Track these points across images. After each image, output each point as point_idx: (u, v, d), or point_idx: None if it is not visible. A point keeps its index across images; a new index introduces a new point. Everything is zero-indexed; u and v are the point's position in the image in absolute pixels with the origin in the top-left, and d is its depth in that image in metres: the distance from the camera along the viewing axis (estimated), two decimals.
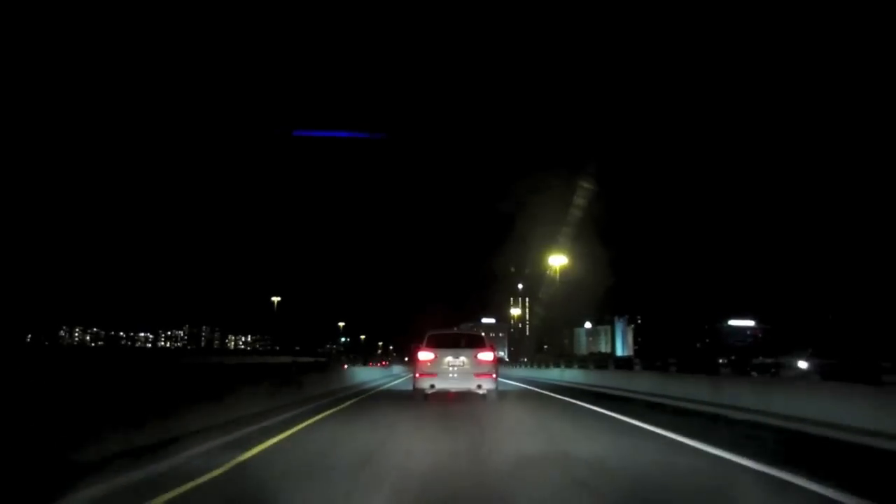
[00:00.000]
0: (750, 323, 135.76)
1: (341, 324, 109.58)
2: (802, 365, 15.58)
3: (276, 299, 74.62)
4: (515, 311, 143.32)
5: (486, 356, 10.68)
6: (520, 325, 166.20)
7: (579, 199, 42.89)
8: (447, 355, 10.59)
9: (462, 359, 10.55)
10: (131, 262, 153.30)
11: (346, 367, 27.08)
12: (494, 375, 10.66)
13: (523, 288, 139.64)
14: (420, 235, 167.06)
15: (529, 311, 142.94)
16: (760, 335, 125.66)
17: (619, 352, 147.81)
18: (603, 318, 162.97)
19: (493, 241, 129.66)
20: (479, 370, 10.48)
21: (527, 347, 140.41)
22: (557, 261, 35.97)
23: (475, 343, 11.16)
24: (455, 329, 11.92)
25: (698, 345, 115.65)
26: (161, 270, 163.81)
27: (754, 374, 19.13)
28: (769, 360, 28.71)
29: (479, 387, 10.43)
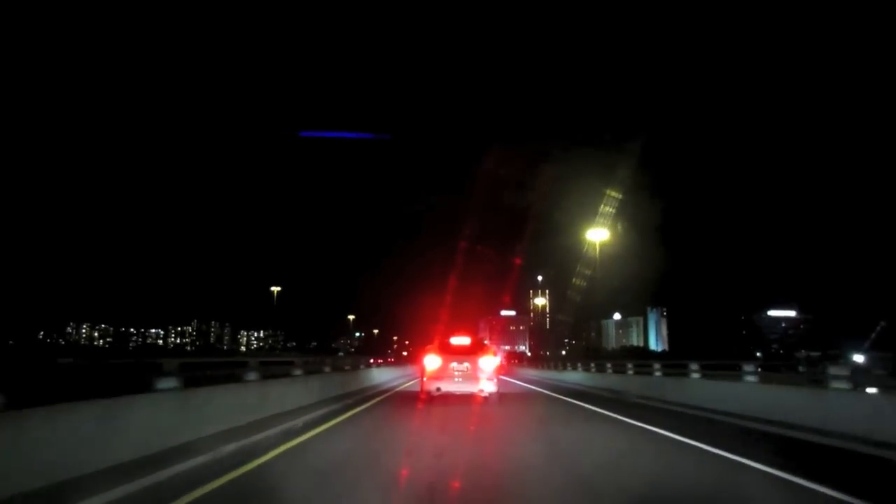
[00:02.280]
0: (791, 313, 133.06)
1: (351, 317, 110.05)
2: (859, 359, 15.07)
3: (275, 289, 72.52)
4: (539, 301, 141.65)
5: (489, 362, 12.07)
6: (540, 318, 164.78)
7: (610, 188, 41.62)
8: (453, 360, 12.04)
9: (466, 364, 11.97)
10: (141, 258, 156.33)
11: (372, 361, 27.22)
12: (496, 380, 12.11)
13: (545, 280, 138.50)
14: (435, 230, 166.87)
15: (551, 303, 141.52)
16: (803, 326, 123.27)
17: (653, 345, 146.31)
18: (631, 310, 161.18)
19: (511, 231, 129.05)
20: (482, 375, 11.87)
21: (549, 341, 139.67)
22: (597, 235, 32.77)
23: (479, 349, 12.62)
24: (461, 336, 13.34)
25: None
26: (170, 266, 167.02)
27: (801, 368, 18.56)
28: (815, 354, 27.92)
29: (482, 390, 11.81)
